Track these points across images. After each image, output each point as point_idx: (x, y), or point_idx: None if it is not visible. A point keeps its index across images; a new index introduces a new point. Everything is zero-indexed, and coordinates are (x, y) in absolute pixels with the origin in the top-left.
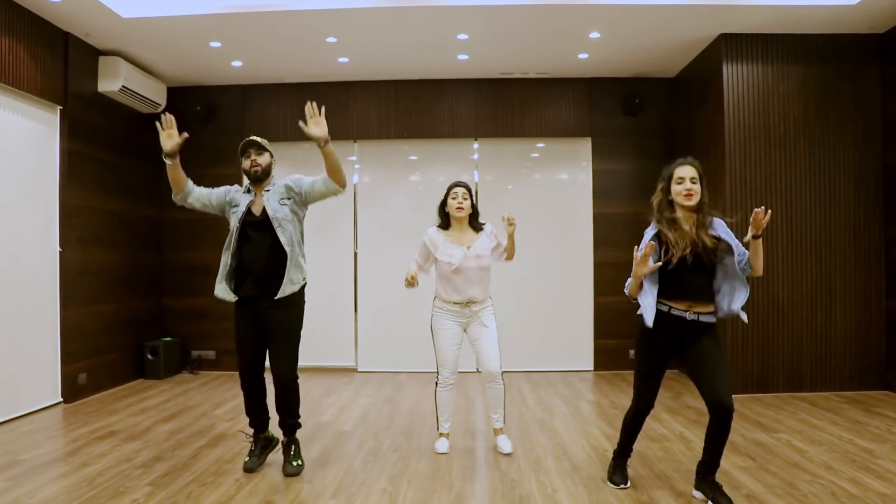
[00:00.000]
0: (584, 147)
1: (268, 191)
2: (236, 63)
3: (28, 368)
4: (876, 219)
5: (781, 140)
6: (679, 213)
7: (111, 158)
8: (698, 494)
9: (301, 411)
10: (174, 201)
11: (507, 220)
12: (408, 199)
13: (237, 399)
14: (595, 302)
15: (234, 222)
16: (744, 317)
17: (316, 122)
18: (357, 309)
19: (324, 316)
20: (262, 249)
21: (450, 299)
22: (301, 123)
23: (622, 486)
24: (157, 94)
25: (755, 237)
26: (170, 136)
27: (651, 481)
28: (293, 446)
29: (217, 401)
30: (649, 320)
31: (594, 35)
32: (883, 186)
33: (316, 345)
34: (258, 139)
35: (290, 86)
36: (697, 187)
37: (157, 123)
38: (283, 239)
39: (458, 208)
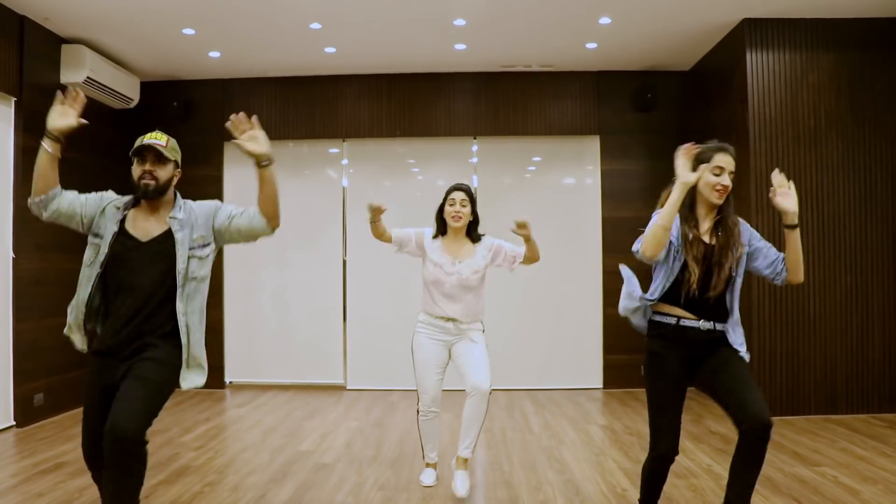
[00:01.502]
0: (592, 146)
1: (174, 218)
2: (213, 54)
3: None
4: None
5: (811, 135)
6: (700, 210)
7: (76, 157)
8: None
9: (265, 445)
10: (29, 205)
11: (516, 226)
12: (401, 203)
13: (210, 422)
14: (604, 313)
15: (92, 254)
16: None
17: (251, 136)
18: (346, 321)
19: (310, 329)
20: (145, 293)
21: (433, 313)
22: (234, 142)
23: None
24: (129, 87)
25: (789, 227)
26: (64, 114)
27: None
28: None
29: (187, 425)
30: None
31: (604, 21)
32: None
33: (301, 361)
34: (161, 139)
35: (274, 80)
36: (729, 182)
37: (60, 92)
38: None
39: (456, 217)
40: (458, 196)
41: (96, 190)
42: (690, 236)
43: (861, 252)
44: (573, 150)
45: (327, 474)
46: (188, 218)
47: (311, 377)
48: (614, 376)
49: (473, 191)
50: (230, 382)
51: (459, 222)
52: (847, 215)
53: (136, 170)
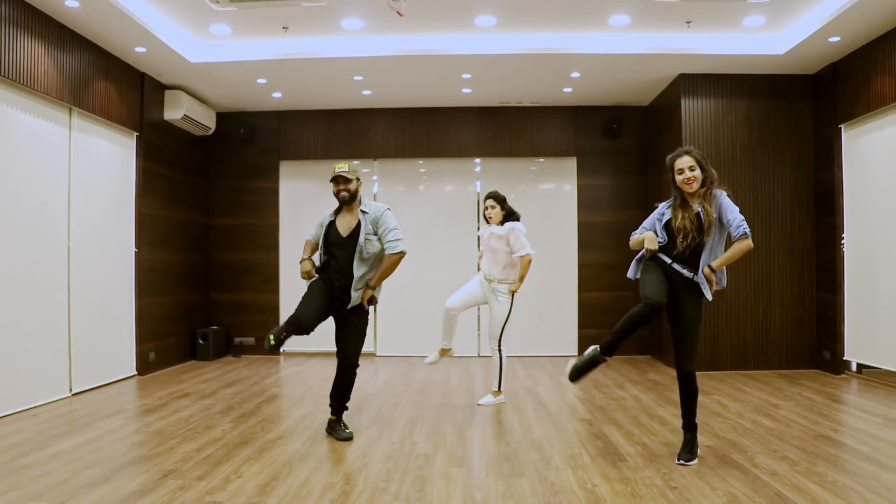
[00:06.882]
0: (571, 165)
1: (364, 212)
2: (276, 94)
3: (111, 346)
4: (808, 227)
5: (730, 161)
6: (686, 196)
7: (173, 174)
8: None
9: (324, 385)
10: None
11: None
12: (420, 209)
13: (278, 374)
14: (579, 297)
15: (321, 246)
16: (707, 294)
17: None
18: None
19: None
20: (347, 266)
21: (482, 268)
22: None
23: (575, 381)
24: (209, 119)
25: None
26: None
27: (603, 422)
28: (342, 422)
29: (263, 374)
30: (634, 273)
31: (575, 74)
32: (814, 200)
33: None
34: (344, 167)
35: (320, 112)
36: (697, 173)
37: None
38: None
39: (488, 217)
40: (488, 203)
41: (185, 197)
42: (679, 216)
43: (766, 250)
44: (555, 168)
45: (374, 398)
46: (369, 216)
47: None
48: (587, 346)
49: (478, 198)
50: (283, 351)
51: (492, 221)
52: (756, 222)
53: (334, 188)
